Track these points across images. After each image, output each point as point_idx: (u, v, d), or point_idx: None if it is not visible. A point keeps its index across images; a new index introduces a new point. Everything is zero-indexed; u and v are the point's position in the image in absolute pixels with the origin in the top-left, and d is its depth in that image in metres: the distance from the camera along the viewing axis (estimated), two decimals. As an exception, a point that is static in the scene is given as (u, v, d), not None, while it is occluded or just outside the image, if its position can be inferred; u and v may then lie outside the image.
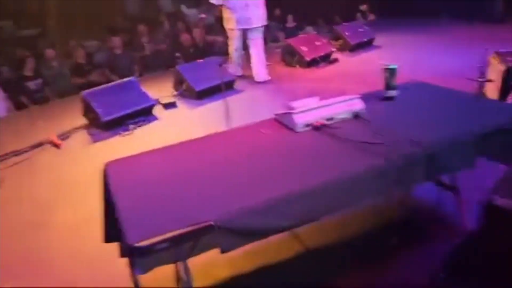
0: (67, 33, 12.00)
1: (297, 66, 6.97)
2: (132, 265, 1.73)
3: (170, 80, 6.37)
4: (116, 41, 9.17)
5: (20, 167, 4.41)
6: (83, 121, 5.34)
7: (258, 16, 6.18)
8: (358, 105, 2.47)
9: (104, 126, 5.03)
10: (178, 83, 6.03)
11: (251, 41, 6.28)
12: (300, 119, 2.35)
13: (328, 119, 2.37)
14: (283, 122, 2.47)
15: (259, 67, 6.38)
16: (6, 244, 3.09)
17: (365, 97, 2.56)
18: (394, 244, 2.53)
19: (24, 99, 7.68)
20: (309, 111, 2.39)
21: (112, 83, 5.51)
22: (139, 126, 5.08)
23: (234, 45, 6.42)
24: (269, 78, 6.43)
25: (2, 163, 4.48)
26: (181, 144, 2.40)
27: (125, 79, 5.54)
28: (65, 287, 2.57)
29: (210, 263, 2.37)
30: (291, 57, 7.09)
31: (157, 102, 5.62)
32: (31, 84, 8.10)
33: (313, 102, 2.53)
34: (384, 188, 1.97)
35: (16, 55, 9.25)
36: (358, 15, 10.86)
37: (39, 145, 4.87)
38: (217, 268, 2.50)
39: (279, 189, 1.77)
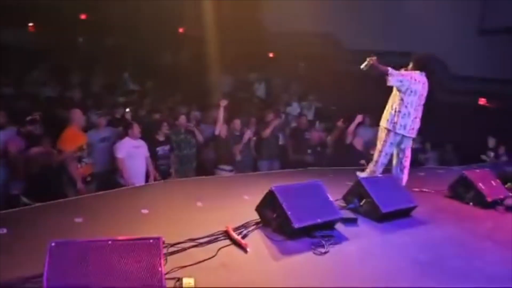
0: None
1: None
2: None
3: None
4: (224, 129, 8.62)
5: (210, 264, 3.59)
6: (253, 214, 4.56)
7: None
8: None
9: (290, 233, 4.21)
10: (355, 195, 5.23)
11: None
12: None
13: None
14: None
15: None
16: None
17: None
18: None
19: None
20: None
21: (299, 183, 4.76)
22: (331, 244, 4.23)
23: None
24: None
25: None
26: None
27: (312, 181, 4.81)
28: None
29: None
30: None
31: (338, 215, 4.81)
32: (160, 150, 7.64)
33: None
34: None
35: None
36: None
37: (216, 238, 4.09)
38: None
39: None
